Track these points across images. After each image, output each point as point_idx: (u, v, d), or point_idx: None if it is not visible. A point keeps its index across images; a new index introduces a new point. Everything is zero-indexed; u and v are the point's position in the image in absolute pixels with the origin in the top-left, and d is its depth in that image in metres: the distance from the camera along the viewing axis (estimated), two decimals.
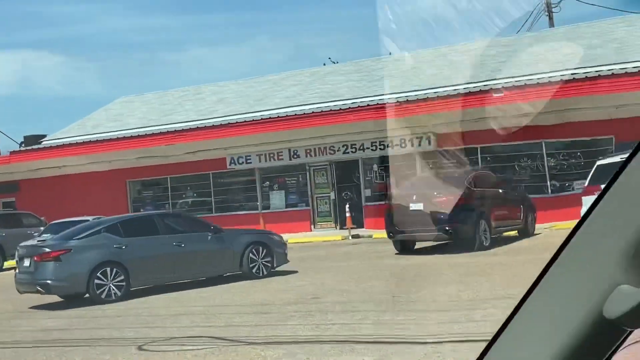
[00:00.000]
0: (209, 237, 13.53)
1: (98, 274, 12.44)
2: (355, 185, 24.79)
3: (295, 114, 24.26)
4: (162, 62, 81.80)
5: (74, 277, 12.32)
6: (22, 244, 15.59)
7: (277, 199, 25.91)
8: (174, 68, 79.77)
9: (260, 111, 25.79)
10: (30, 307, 12.95)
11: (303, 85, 28.28)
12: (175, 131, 26.02)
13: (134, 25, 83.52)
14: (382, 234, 18.23)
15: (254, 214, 25.51)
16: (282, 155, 25.23)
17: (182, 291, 13.02)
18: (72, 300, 12.77)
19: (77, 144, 28.06)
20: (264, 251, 13.97)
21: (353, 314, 9.70)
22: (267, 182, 26.12)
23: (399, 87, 23.40)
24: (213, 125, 25.59)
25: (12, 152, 29.46)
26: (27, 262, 12.87)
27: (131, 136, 26.99)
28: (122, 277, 12.64)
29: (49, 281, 12.31)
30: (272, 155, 25.49)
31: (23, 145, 30.81)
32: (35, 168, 28.64)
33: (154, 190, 28.58)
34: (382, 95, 23.41)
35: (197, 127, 25.77)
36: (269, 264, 14.03)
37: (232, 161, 26.11)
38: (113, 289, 12.56)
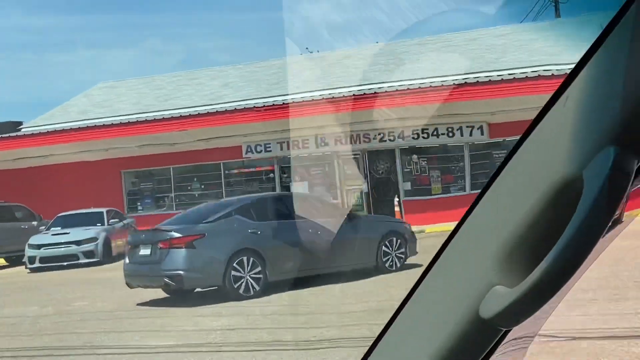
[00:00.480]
0: (344, 224, 11.39)
1: (234, 264, 10.34)
2: (389, 178, 22.91)
3: (323, 97, 22.15)
4: (50, 63, 78.78)
5: (209, 267, 10.27)
6: (133, 233, 13.11)
7: (300, 191, 23.75)
8: (64, 69, 76.88)
9: (277, 96, 23.57)
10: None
11: (321, 69, 26.17)
12: (184, 116, 23.51)
13: (19, 25, 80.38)
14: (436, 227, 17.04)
15: None
16: (307, 143, 23.06)
17: (321, 286, 10.77)
18: (186, 295, 10.68)
19: (65, 130, 25.05)
20: (399, 242, 12.02)
21: None
22: (287, 173, 23.92)
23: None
24: (226, 110, 23.21)
25: None
26: (146, 251, 10.56)
27: (129, 122, 24.27)
28: (259, 268, 10.56)
29: (181, 272, 10.16)
30: (295, 142, 23.31)
31: None
32: (13, 158, 25.52)
33: (153, 182, 25.89)
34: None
35: (208, 112, 23.36)
36: (402, 257, 12.06)
37: (249, 149, 23.80)
38: (251, 282, 10.48)
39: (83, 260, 18.77)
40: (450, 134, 21.63)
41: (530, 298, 0.82)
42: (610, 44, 0.80)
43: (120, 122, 24.58)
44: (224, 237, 10.41)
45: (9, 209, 21.96)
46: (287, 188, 23.64)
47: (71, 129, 25.07)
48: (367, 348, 1.12)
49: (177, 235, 10.33)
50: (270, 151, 23.66)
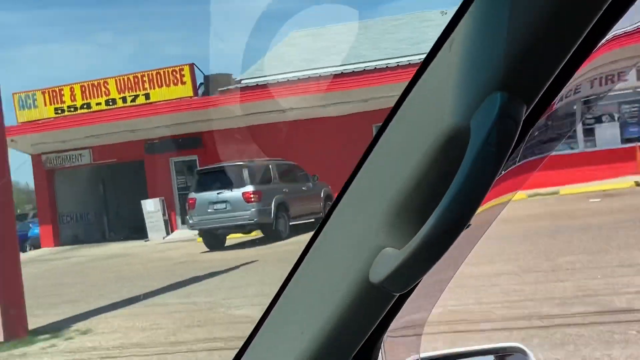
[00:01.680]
0: None
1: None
2: None
3: None
4: None
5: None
6: None
7: (607, 132, 21.52)
8: (10, 65, 74.66)
9: None
10: None
11: None
12: None
13: None
14: None
15: (571, 154, 21.10)
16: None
17: None
18: None
19: (302, 80, 22.92)
20: None
21: None
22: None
23: None
24: None
25: (221, 92, 24.03)
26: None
27: (377, 68, 22.10)
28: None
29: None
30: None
31: (202, 87, 25.33)
32: (236, 115, 23.42)
33: None
34: None
35: None
36: None
37: None
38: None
39: None
40: None
41: (417, 259, 0.78)
42: None
43: (365, 69, 22.46)
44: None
45: (291, 169, 19.99)
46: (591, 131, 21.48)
47: (309, 77, 22.96)
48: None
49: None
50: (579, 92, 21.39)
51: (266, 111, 23.43)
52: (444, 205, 0.73)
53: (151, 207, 24.90)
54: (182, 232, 24.49)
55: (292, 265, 1.02)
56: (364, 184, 0.92)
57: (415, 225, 0.82)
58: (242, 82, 24.97)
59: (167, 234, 25.26)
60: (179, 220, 25.90)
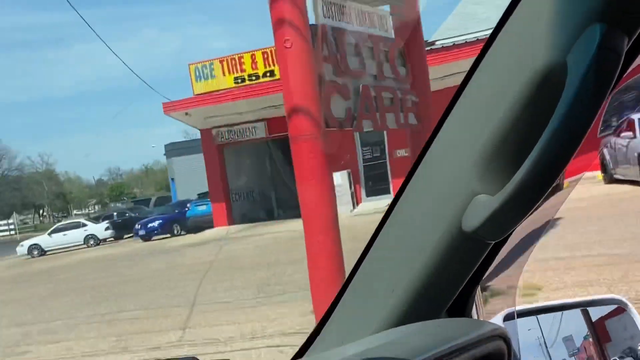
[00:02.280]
0: None
1: None
2: None
3: None
4: (45, 60, 77.61)
5: None
6: None
7: None
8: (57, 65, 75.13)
9: None
10: None
11: None
12: None
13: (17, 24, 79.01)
14: None
15: None
16: None
17: None
18: None
19: None
20: None
21: None
22: None
23: None
24: None
25: None
26: None
27: None
28: None
29: None
30: None
31: None
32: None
33: None
34: None
35: None
36: None
37: None
38: None
39: None
40: None
41: (513, 204, 0.74)
42: None
43: None
44: None
45: None
46: None
47: None
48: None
49: None
50: None
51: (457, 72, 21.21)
52: (541, 148, 0.69)
53: (339, 180, 23.28)
54: (367, 205, 23.24)
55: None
56: (454, 129, 0.87)
57: (509, 171, 0.76)
58: (436, 42, 22.87)
59: (354, 207, 23.71)
60: (363, 193, 24.30)
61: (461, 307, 1.00)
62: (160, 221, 29.05)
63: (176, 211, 30.27)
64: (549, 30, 0.70)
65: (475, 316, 1.06)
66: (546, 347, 1.37)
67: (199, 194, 32.40)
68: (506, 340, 0.97)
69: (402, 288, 0.94)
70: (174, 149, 45.58)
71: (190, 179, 39.02)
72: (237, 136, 26.17)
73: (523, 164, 0.72)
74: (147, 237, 28.91)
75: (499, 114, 0.79)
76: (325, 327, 1.09)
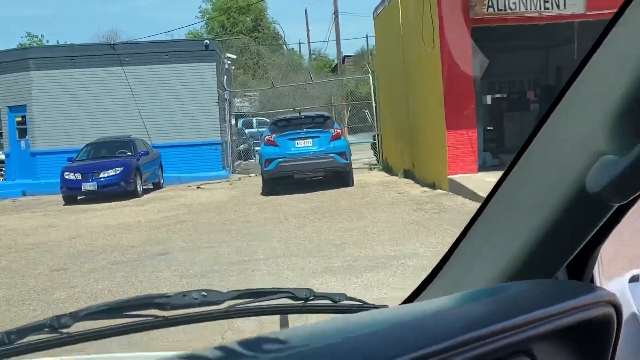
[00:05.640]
0: None
1: None
2: None
3: None
4: None
5: None
6: None
7: None
8: None
9: None
10: None
11: None
12: None
13: None
14: None
15: None
16: None
17: None
18: None
19: None
20: None
21: None
22: None
23: None
24: None
25: None
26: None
27: None
28: None
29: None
30: None
31: None
32: None
33: None
34: None
35: None
36: None
37: None
38: None
39: None
40: None
41: None
42: None
43: None
44: None
45: None
46: None
47: None
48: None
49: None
50: None
51: None
52: None
53: None
54: None
55: None
56: (585, 87, 0.85)
57: (638, 131, 0.72)
58: None
59: None
60: None
61: (581, 269, 0.99)
62: None
63: None
64: None
65: (597, 278, 1.04)
66: None
67: None
68: (616, 306, 0.94)
69: (518, 244, 0.94)
70: None
71: None
72: None
73: None
74: None
75: (633, 73, 0.77)
76: (439, 274, 1.10)
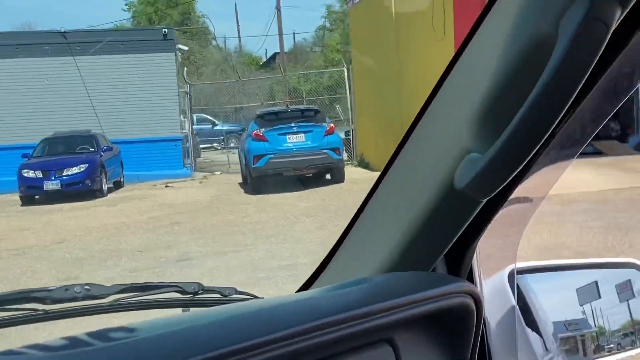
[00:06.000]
0: None
1: None
2: None
3: None
4: None
5: None
6: None
7: None
8: None
9: None
10: None
11: None
12: None
13: None
14: None
15: None
16: None
17: None
18: None
19: None
20: None
21: None
22: None
23: None
24: None
25: None
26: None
27: None
28: None
29: None
30: None
31: None
32: None
33: None
34: None
35: None
36: None
37: None
38: None
39: None
40: None
41: (499, 162, 0.76)
42: None
43: None
44: None
45: None
46: None
47: None
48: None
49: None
50: None
51: None
52: (526, 109, 0.71)
53: None
54: None
55: None
56: (451, 89, 0.89)
57: (500, 131, 0.77)
58: None
59: None
60: None
61: (459, 261, 1.02)
62: None
63: None
64: None
65: (475, 272, 1.05)
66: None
67: None
68: (475, 297, 0.95)
69: (397, 237, 0.96)
70: None
71: None
72: None
73: (509, 124, 0.73)
74: None
75: (494, 76, 0.81)
76: (330, 263, 1.13)
